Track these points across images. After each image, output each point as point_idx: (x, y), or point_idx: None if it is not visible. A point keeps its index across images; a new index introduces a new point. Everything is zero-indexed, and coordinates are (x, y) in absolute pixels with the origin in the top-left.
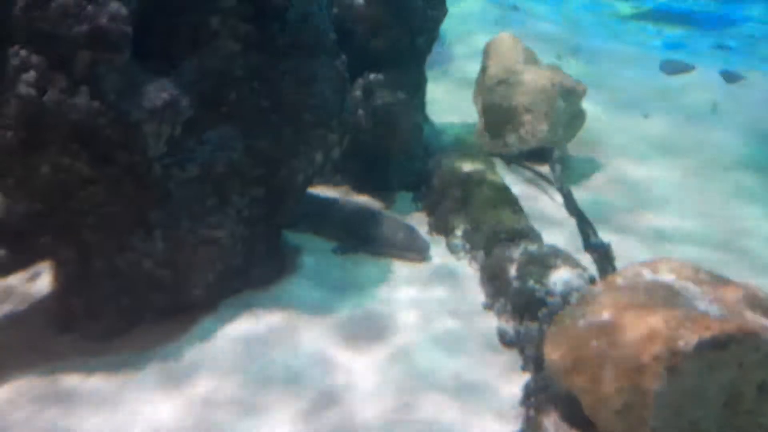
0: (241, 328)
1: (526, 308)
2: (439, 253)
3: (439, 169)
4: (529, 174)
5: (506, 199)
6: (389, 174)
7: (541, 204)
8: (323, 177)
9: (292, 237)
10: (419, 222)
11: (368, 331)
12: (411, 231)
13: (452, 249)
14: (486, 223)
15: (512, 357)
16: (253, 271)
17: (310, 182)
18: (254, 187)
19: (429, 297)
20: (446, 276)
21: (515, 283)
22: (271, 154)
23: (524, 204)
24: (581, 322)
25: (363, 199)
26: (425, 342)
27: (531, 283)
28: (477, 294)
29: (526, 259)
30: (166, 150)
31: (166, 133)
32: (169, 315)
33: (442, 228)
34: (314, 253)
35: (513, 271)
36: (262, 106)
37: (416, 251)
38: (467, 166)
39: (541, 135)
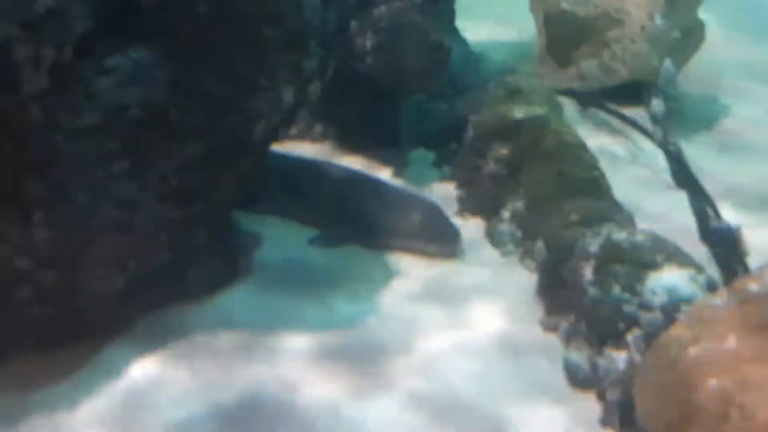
0: (162, 366)
1: (608, 330)
2: (475, 245)
3: (477, 115)
4: (615, 122)
5: (580, 161)
6: (398, 123)
7: (634, 170)
8: (296, 127)
9: (250, 221)
10: (445, 197)
11: (361, 375)
12: (432, 212)
13: (496, 239)
14: (548, 199)
15: (586, 404)
16: (189, 272)
17: (275, 136)
18: (188, 144)
19: (459, 316)
20: (485, 281)
21: (592, 291)
22: (214, 90)
23: (607, 169)
24: (694, 352)
25: (357, 162)
26: (448, 385)
27: (617, 290)
28: (533, 307)
29: (610, 253)
30: (49, 84)
31: (50, 59)
32: (57, 341)
33: (481, 207)
34: (282, 245)
35: (589, 272)
36: (198, 15)
37: (440, 243)
38: (520, 111)
39: (637, 61)
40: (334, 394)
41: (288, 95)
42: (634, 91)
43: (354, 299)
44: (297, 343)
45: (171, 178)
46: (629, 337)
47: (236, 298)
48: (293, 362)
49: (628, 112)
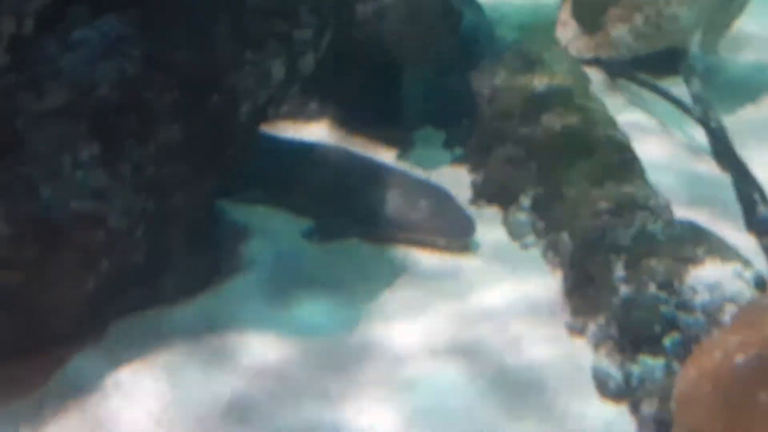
0: (137, 377)
1: (642, 333)
2: (491, 237)
3: (493, 88)
4: (648, 96)
5: (609, 140)
6: (404, 98)
7: (669, 149)
8: (287, 105)
9: (236, 211)
10: (457, 183)
11: (363, 385)
12: (443, 200)
13: (514, 230)
14: (574, 185)
15: (618, 416)
16: (167, 273)
17: (263, 115)
18: (165, 127)
19: (472, 319)
20: (503, 279)
21: (624, 289)
22: (193, 66)
23: (639, 149)
24: (741, 360)
25: (357, 144)
26: (459, 398)
27: (652, 288)
28: (556, 308)
29: (644, 246)
30: (8, 62)
31: (8, 32)
32: (20, 352)
33: (498, 193)
34: (273, 239)
35: (620, 267)
36: None
37: (452, 235)
38: (541, 82)
39: (674, 26)
40: (320, 409)
41: (277, 70)
42: (669, 60)
43: (352, 302)
44: (286, 351)
45: (146, 167)
46: (666, 342)
47: (220, 300)
48: (280, 373)
49: (663, 83)
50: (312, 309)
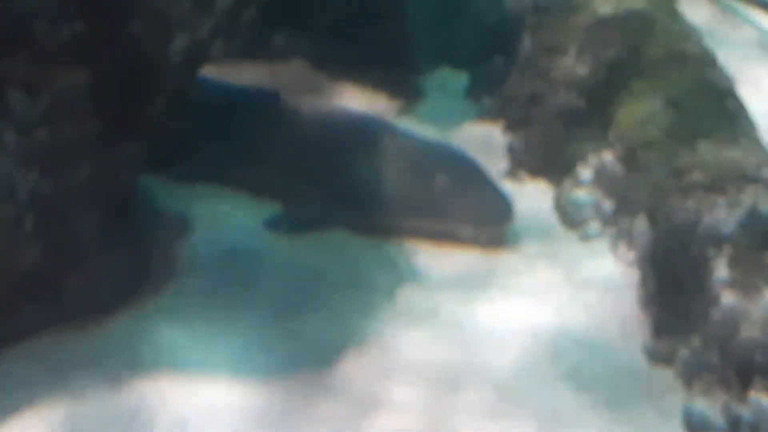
0: (26, 429)
1: (755, 361)
2: (537, 224)
3: (538, 9)
4: (759, 18)
5: (705, 83)
6: (407, 25)
7: None
8: (241, 39)
9: (172, 193)
10: (486, 146)
11: None
12: (467, 171)
13: (571, 213)
14: (655, 147)
15: None
16: (70, 280)
17: (205, 54)
18: (63, 71)
19: (514, 343)
20: (554, 284)
21: (728, 298)
22: None
23: (748, 94)
24: None
25: (343, 92)
26: None
27: (767, 295)
28: (633, 325)
29: (757, 236)
30: None
31: None
32: None
33: (546, 162)
34: (223, 230)
35: (722, 266)
36: None
37: (481, 220)
38: (607, 3)
39: None
40: None
41: None
42: None
43: (334, 322)
44: (237, 398)
45: (37, 129)
46: None
47: (145, 320)
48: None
49: None
50: (273, 332)
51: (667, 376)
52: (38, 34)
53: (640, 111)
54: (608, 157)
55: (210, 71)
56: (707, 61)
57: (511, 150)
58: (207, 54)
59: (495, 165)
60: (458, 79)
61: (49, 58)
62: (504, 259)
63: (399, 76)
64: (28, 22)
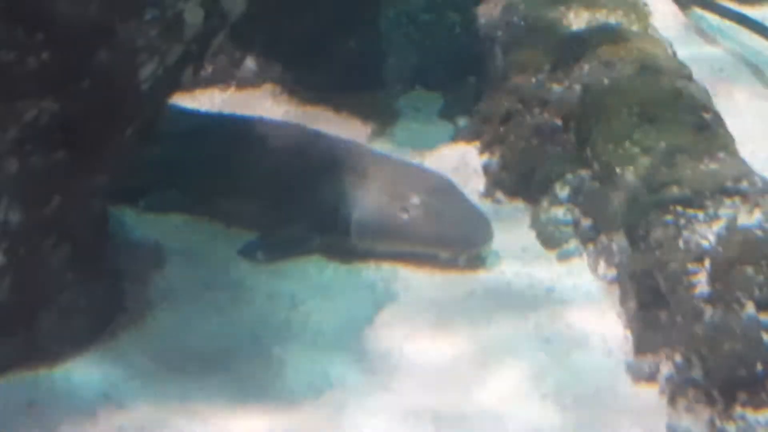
0: None
1: (739, 375)
2: (515, 244)
3: (510, 28)
4: (733, 30)
5: (680, 96)
6: (380, 47)
7: (764, 104)
8: (212, 65)
9: (144, 223)
10: (462, 167)
11: None
12: (443, 192)
13: (549, 232)
14: (632, 163)
15: None
16: (42, 315)
17: (175, 81)
18: (32, 102)
19: (497, 366)
20: (534, 303)
21: (710, 313)
22: (70, 12)
23: (724, 109)
24: None
25: (315, 117)
26: None
27: (750, 310)
28: (614, 341)
29: (737, 249)
30: None
31: None
32: None
33: (522, 180)
34: (198, 260)
35: (703, 280)
36: None
37: (458, 243)
38: (580, 19)
39: None
40: None
41: (193, 14)
42: None
43: (316, 356)
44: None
45: (5, 159)
46: None
47: (119, 356)
48: None
49: (752, 12)
50: (256, 369)
51: (650, 393)
52: (4, 64)
53: (616, 127)
54: (584, 173)
55: (181, 100)
56: (682, 74)
57: (487, 170)
58: (178, 82)
59: (471, 185)
60: (432, 100)
61: (16, 88)
62: (483, 280)
63: (373, 98)
64: None
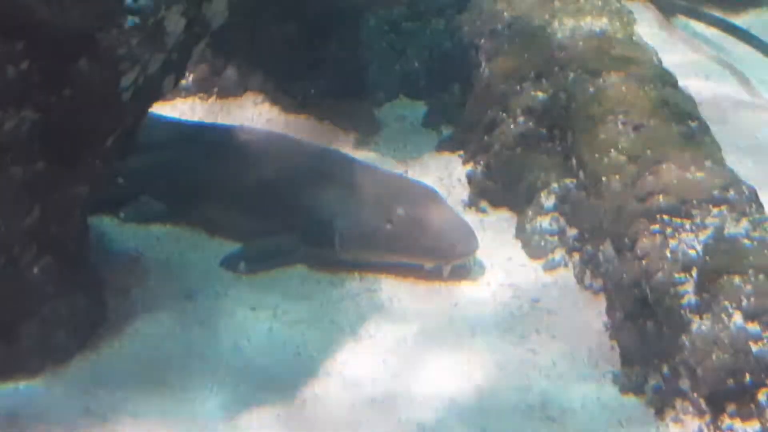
0: None
1: (727, 386)
2: (500, 254)
3: (494, 36)
4: (717, 36)
5: (665, 104)
6: (362, 56)
7: (752, 115)
8: (193, 74)
9: (124, 234)
10: (446, 176)
11: None
12: (427, 202)
13: (535, 242)
14: (618, 171)
15: None
16: (22, 328)
17: (156, 91)
18: (10, 111)
19: (480, 375)
20: (521, 314)
21: (697, 323)
22: (50, 19)
23: (710, 117)
24: None
25: (297, 126)
26: None
27: (738, 319)
28: (600, 354)
29: (724, 258)
30: None
31: None
32: None
33: (507, 190)
34: (180, 271)
35: (690, 291)
36: None
37: (443, 253)
38: (565, 26)
39: None
40: None
41: (174, 22)
42: None
43: (299, 368)
44: None
45: None
46: (763, 398)
47: (102, 366)
48: None
49: (739, 20)
50: (224, 387)
51: (637, 404)
52: None
53: (602, 135)
54: (570, 182)
55: (161, 110)
56: (668, 82)
57: (472, 179)
58: (159, 91)
59: (456, 195)
60: (416, 109)
61: None
62: (468, 290)
63: (356, 107)
64: None
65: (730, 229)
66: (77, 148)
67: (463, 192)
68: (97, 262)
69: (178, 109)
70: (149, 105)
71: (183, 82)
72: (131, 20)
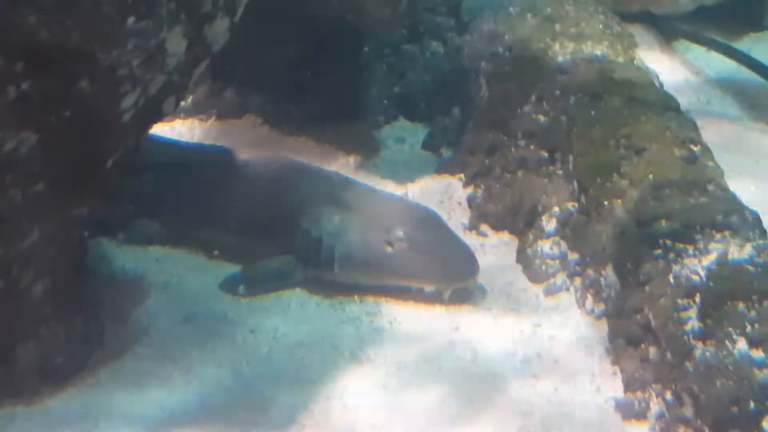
0: None
1: (730, 414)
2: (502, 279)
3: (494, 59)
4: (718, 62)
5: (667, 129)
6: (362, 79)
7: (752, 136)
8: (193, 96)
9: (123, 255)
10: (446, 199)
11: None
12: (427, 225)
13: (536, 267)
14: (620, 196)
15: None
16: (19, 350)
17: (157, 112)
18: (9, 132)
19: (486, 406)
20: (521, 339)
21: (701, 349)
22: (49, 39)
23: (712, 142)
24: None
25: (297, 148)
26: None
27: (742, 346)
28: (602, 380)
29: (727, 284)
30: None
31: None
32: None
33: (508, 213)
34: (179, 293)
35: (694, 316)
36: None
37: (444, 276)
38: (565, 50)
39: None
40: None
41: (176, 43)
42: (747, 10)
43: (299, 392)
44: None
45: None
46: (766, 425)
47: (101, 389)
48: None
49: (739, 44)
50: (224, 412)
51: (640, 431)
52: None
53: (603, 159)
54: (571, 206)
55: (162, 131)
56: (669, 106)
57: (472, 203)
58: (159, 112)
59: (456, 218)
60: (416, 131)
61: None
62: (468, 315)
63: (355, 130)
64: None
65: (734, 254)
66: (77, 169)
67: (463, 215)
68: (95, 284)
69: (177, 130)
70: (150, 126)
71: (182, 103)
72: (132, 41)
